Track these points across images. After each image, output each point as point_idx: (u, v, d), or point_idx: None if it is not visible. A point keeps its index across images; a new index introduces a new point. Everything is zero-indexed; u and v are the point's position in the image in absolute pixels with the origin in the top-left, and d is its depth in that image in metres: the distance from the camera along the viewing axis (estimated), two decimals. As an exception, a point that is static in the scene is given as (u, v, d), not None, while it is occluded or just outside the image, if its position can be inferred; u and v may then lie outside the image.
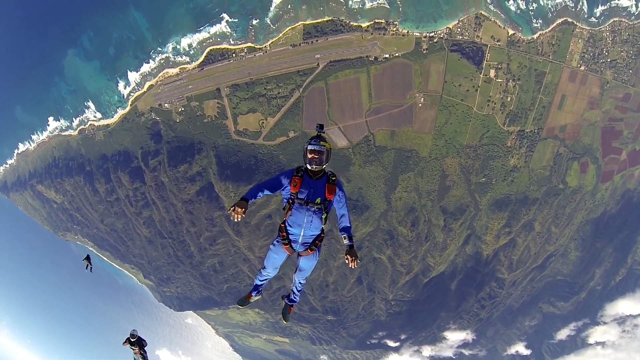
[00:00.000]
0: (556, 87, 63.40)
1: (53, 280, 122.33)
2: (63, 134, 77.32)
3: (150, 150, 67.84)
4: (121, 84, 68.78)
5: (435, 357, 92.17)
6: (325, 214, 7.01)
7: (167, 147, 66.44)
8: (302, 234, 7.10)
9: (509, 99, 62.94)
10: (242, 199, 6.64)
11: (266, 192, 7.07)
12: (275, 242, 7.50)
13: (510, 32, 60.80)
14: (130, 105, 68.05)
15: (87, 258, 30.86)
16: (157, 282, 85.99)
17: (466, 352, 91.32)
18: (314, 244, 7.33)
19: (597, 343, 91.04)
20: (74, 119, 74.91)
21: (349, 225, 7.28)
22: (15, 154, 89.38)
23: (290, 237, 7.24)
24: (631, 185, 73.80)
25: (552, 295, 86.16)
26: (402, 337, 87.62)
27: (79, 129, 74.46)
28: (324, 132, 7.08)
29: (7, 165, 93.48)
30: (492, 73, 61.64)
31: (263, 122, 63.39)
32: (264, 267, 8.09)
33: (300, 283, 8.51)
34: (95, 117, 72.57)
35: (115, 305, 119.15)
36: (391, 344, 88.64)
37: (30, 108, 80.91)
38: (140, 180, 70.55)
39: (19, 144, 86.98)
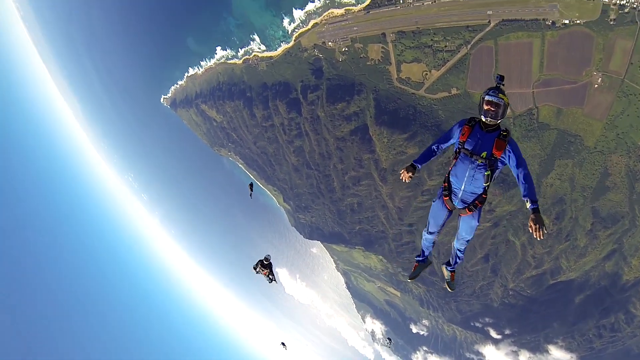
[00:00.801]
0: None
1: (203, 186, 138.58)
2: (229, 62, 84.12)
3: (309, 85, 70.05)
4: (286, 20, 71.44)
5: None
6: (490, 172, 6.55)
7: (327, 83, 68.00)
8: (462, 188, 6.80)
9: None
10: (411, 164, 6.86)
11: (441, 145, 7.01)
12: (438, 191, 7.25)
13: None
14: (294, 40, 70.26)
15: (251, 185, 33.98)
16: (294, 207, 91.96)
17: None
18: (474, 204, 6.92)
19: None
20: (239, 49, 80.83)
21: (527, 186, 6.41)
22: (185, 77, 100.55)
23: (452, 188, 6.98)
24: None
25: (682, 358, 70.49)
26: (506, 331, 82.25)
27: (243, 58, 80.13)
28: (503, 85, 6.53)
29: (178, 86, 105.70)
30: None
31: (426, 74, 60.95)
32: (428, 224, 7.71)
33: (458, 248, 8.02)
34: (259, 49, 77.28)
35: (252, 219, 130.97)
36: (493, 334, 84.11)
37: (201, 39, 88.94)
38: (296, 111, 73.74)
39: (189, 68, 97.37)
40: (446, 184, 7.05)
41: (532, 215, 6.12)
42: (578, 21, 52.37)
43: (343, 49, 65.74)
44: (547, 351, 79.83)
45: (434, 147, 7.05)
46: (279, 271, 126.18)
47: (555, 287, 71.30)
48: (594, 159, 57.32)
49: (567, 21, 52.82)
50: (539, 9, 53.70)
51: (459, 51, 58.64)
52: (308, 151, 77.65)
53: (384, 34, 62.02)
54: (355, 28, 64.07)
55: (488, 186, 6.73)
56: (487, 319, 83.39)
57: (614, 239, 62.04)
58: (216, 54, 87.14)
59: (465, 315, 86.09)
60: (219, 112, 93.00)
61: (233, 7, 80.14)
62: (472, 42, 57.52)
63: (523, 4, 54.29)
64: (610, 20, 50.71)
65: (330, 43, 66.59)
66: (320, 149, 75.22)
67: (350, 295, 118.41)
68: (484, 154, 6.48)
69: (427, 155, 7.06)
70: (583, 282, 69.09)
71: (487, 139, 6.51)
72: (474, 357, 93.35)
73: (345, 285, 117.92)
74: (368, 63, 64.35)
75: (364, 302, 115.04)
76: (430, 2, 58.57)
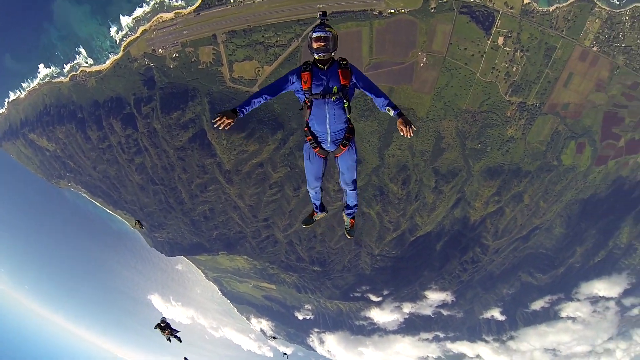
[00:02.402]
0: (565, 64, 57.74)
1: (47, 226, 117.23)
2: (54, 81, 70.50)
3: (143, 97, 62.02)
4: (113, 29, 62.38)
5: (415, 314, 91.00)
6: (347, 102, 6.07)
7: (160, 93, 60.74)
8: (328, 130, 6.18)
9: (514, 69, 57.70)
10: (232, 110, 5.71)
11: (267, 97, 6.03)
12: (305, 147, 6.56)
13: (526, 0, 54.86)
14: (123, 50, 61.77)
15: (138, 222, 27.06)
16: (148, 227, 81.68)
17: (445, 312, 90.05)
18: (346, 139, 6.32)
19: (569, 318, 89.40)
20: (64, 65, 68.20)
21: (384, 96, 6.23)
22: (6, 103, 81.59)
23: (318, 137, 6.30)
24: (624, 172, 69.48)
25: (532, 266, 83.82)
26: (385, 292, 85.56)
27: (70, 75, 67.79)
28: (327, 19, 5.91)
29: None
30: (500, 40, 56.05)
31: (259, 70, 57.98)
32: (307, 181, 7.04)
33: (349, 190, 7.28)
34: (86, 63, 66.08)
35: (109, 249, 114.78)
36: (373, 298, 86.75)
37: (20, 55, 73.47)
38: (132, 127, 64.92)
39: (10, 92, 79.36)
40: (310, 137, 6.33)
41: (399, 120, 6.17)
42: (403, 10, 55.51)
43: (174, 55, 59.00)
44: (425, 297, 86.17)
45: (261, 94, 6.00)
46: (151, 298, 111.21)
47: (417, 242, 75.53)
48: (427, 126, 61.50)
49: (392, 10, 55.52)
50: (367, 1, 55.47)
51: (290, 45, 57.19)
52: (150, 167, 68.72)
53: (214, 36, 57.32)
54: (185, 32, 57.97)
55: (349, 116, 6.22)
56: (364, 287, 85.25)
57: (457, 189, 67.80)
58: (39, 72, 71.66)
59: (342, 289, 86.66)
60: (50, 140, 76.88)
61: (55, 16, 66.56)
62: (302, 35, 56.52)
63: (351, -3, 56.00)
64: (432, 8, 55.12)
65: (160, 50, 59.28)
66: (162, 162, 67.06)
67: (228, 301, 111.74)
68: (334, 88, 5.94)
69: (253, 99, 5.97)
70: (439, 231, 74.48)
71: (330, 74, 5.93)
72: (364, 322, 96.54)
73: (220, 293, 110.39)
74: (200, 67, 58.77)
75: (243, 303, 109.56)
76: (261, 0, 55.88)
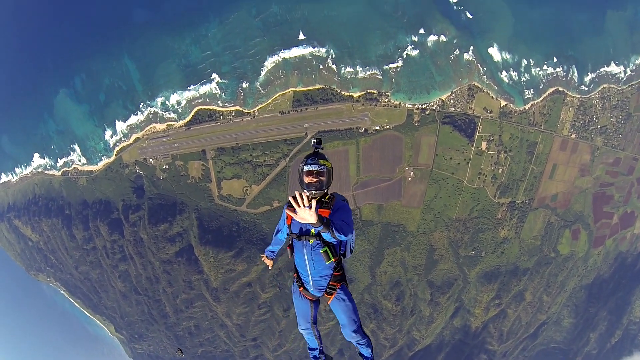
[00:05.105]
0: (547, 157, 65.42)
1: (20, 318, 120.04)
2: (46, 172, 78.15)
3: (131, 204, 68.55)
4: (108, 132, 69.97)
5: None
6: (327, 248, 5.99)
7: (149, 203, 67.19)
8: (309, 274, 6.29)
9: (500, 170, 64.51)
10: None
11: (279, 237, 6.78)
12: (294, 283, 6.75)
13: (503, 103, 62.08)
14: (116, 155, 69.21)
15: (180, 350, 31.57)
16: (128, 337, 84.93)
17: None
18: (331, 287, 6.42)
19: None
20: (58, 159, 76.12)
21: (349, 231, 5.84)
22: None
23: (302, 279, 6.51)
24: (624, 247, 75.96)
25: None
26: None
27: (62, 170, 75.45)
28: (322, 148, 6.23)
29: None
30: (483, 145, 63.02)
31: (247, 189, 64.42)
32: (297, 322, 7.03)
33: (356, 343, 7.09)
34: (79, 161, 73.78)
35: (84, 352, 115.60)
36: None
37: (17, 140, 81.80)
38: (119, 233, 70.81)
39: (2, 174, 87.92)
40: (296, 274, 6.55)
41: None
42: (388, 126, 62.19)
43: (164, 167, 66.33)
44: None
45: (275, 237, 6.88)
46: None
47: (416, 357, 78.01)
48: (418, 240, 66.89)
49: (378, 127, 62.03)
50: (352, 119, 61.68)
51: (278, 164, 63.39)
52: (134, 276, 73.68)
53: (204, 151, 64.34)
54: (176, 144, 65.57)
55: (337, 261, 6.27)
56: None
57: (454, 299, 72.08)
58: (33, 161, 79.76)
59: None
60: (34, 230, 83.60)
61: (55, 109, 75.49)
62: (290, 155, 62.67)
63: (337, 116, 61.78)
64: (415, 122, 62.06)
65: (151, 160, 66.93)
66: (146, 273, 72.19)
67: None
68: (312, 231, 5.89)
69: (273, 247, 7.14)
70: (439, 343, 77.65)
71: None
72: None
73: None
74: (189, 181, 65.39)
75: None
76: (249, 118, 63.07)
